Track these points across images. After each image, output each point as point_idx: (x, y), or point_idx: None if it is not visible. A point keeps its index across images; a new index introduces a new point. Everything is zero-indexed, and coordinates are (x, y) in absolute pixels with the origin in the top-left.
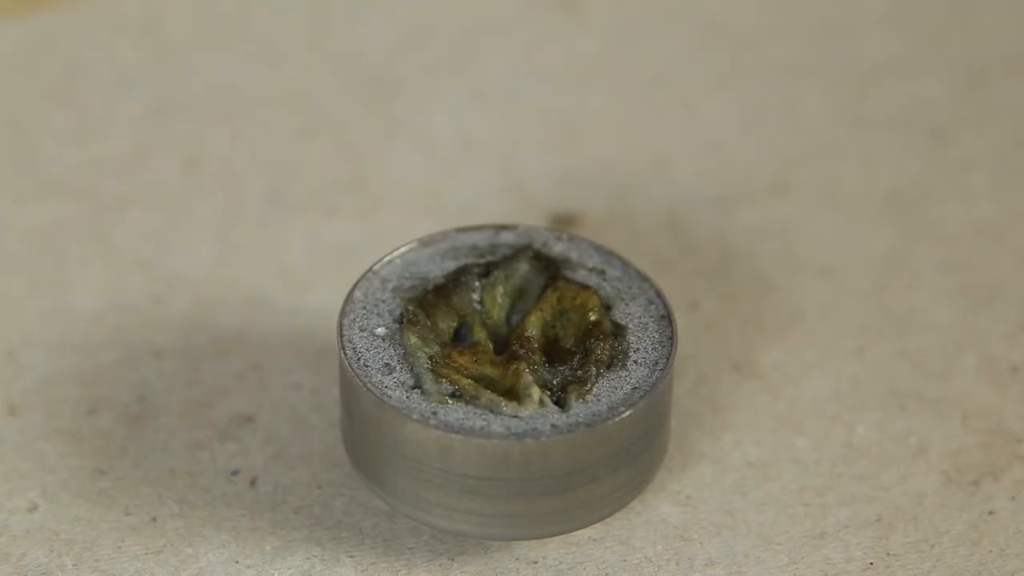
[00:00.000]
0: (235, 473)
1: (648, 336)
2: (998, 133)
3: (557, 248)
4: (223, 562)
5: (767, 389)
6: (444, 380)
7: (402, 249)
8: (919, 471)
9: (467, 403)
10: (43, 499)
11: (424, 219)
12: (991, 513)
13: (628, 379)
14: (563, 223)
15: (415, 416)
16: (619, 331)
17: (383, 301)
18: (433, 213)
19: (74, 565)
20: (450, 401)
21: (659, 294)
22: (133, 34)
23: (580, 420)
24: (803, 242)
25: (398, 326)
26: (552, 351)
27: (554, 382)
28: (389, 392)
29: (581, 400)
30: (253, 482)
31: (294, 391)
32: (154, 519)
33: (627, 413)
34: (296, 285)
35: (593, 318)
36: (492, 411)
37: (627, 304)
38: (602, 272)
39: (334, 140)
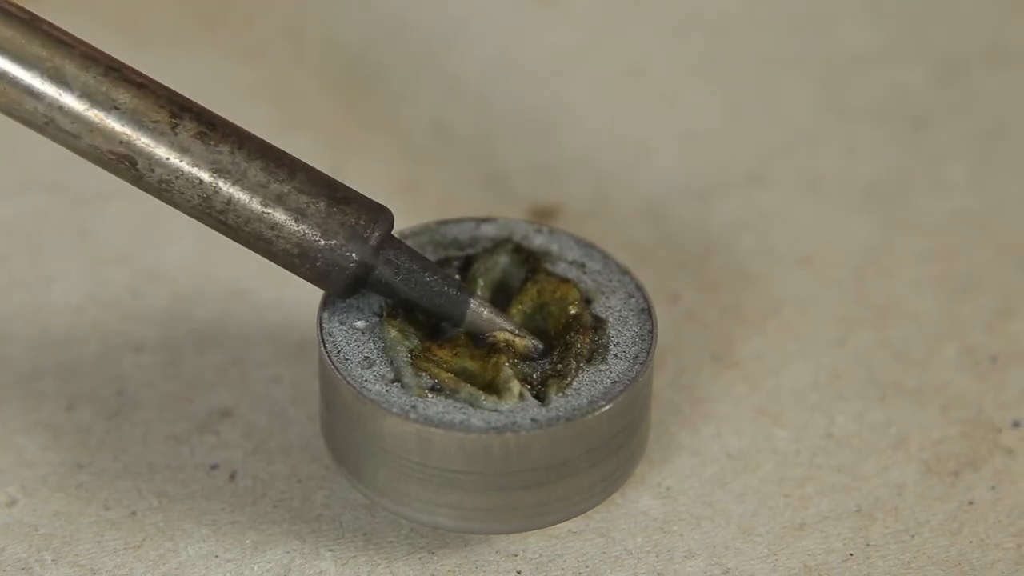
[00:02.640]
0: (214, 467)
1: (628, 330)
2: (977, 123)
3: (537, 241)
4: (203, 556)
5: (746, 380)
6: (424, 374)
7: None
8: (899, 461)
9: (447, 397)
10: (22, 494)
11: (404, 213)
12: (971, 503)
13: (608, 373)
14: (543, 215)
15: (395, 410)
16: (599, 324)
17: (363, 294)
18: (412, 206)
19: (53, 560)
20: (430, 395)
21: (639, 287)
22: (111, 28)
23: (560, 414)
24: (783, 233)
25: (378, 319)
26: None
27: (534, 376)
28: (369, 386)
29: (561, 394)
30: (233, 476)
31: (274, 384)
32: (133, 513)
33: (607, 407)
34: (275, 278)
35: (573, 311)
36: (472, 405)
37: (607, 297)
38: (582, 265)
39: (312, 134)
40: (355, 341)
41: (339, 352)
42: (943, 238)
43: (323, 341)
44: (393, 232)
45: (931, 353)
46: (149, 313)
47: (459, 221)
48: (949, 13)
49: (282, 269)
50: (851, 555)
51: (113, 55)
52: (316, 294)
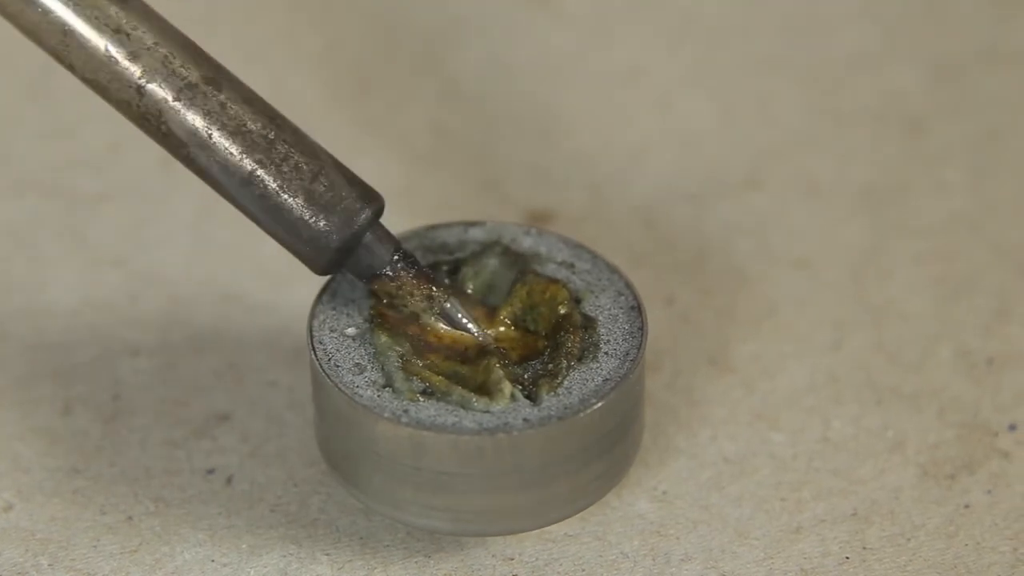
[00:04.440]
0: (211, 471)
1: (618, 327)
2: (973, 125)
3: (526, 243)
4: (199, 560)
5: (743, 383)
6: (415, 378)
7: None
8: (895, 465)
9: (438, 400)
10: (18, 498)
11: (399, 217)
12: (967, 506)
13: (599, 371)
14: (538, 219)
15: (386, 414)
16: (589, 323)
17: (353, 301)
18: (409, 210)
19: (49, 565)
20: (421, 398)
21: (628, 285)
22: None
23: (552, 413)
24: (778, 235)
25: (368, 326)
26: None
27: (525, 376)
28: (360, 391)
29: (552, 393)
30: (229, 480)
31: (270, 389)
32: (130, 518)
33: (599, 404)
34: (272, 282)
35: (563, 311)
36: (464, 407)
37: (597, 296)
38: (571, 265)
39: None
40: (346, 348)
41: (330, 359)
42: (939, 240)
43: (314, 349)
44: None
45: (927, 356)
46: (146, 317)
47: (448, 225)
48: (944, 15)
49: (278, 273)
50: (847, 558)
51: None
52: (310, 299)
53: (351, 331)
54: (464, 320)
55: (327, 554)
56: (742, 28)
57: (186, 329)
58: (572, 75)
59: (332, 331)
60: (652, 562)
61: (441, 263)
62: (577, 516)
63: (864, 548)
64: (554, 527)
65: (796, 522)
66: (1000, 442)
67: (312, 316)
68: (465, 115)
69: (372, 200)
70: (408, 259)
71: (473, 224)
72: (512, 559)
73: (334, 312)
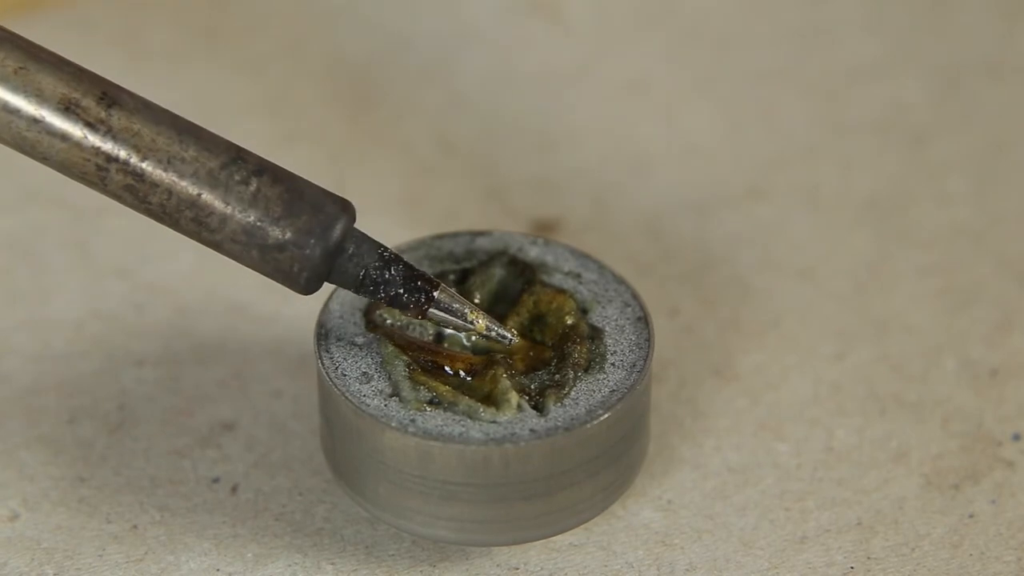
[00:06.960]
0: (216, 480)
1: (625, 338)
2: (976, 136)
3: (533, 253)
4: (204, 569)
5: (747, 393)
6: (422, 387)
7: None
8: (899, 475)
9: (445, 410)
10: (24, 508)
11: (404, 227)
12: (971, 516)
13: (606, 382)
14: (543, 229)
15: (393, 424)
16: (596, 334)
17: (360, 310)
18: (413, 221)
19: (55, 574)
20: (428, 408)
21: (635, 296)
22: (112, 41)
23: (559, 424)
24: (782, 246)
25: (375, 335)
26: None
27: (532, 387)
28: (367, 401)
29: (559, 404)
30: (234, 489)
31: (275, 398)
32: (135, 527)
33: (605, 416)
34: (276, 292)
35: (570, 322)
36: (471, 417)
37: (603, 307)
38: (578, 276)
39: (314, 148)
40: (353, 356)
41: (337, 368)
42: (942, 251)
43: (321, 357)
44: (381, 240)
45: (931, 367)
46: (150, 327)
47: (455, 235)
48: (948, 27)
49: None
50: (852, 568)
51: (113, 69)
52: (316, 308)
53: (358, 340)
54: (462, 309)
55: (332, 563)
56: (746, 39)
57: (191, 339)
58: (577, 86)
59: (339, 340)
60: (657, 572)
61: (448, 272)
62: (582, 526)
63: (869, 558)
64: (559, 536)
65: (801, 532)
66: (1004, 452)
67: (319, 325)
68: (470, 125)
69: (343, 212)
70: (394, 262)
71: (480, 234)
72: (517, 569)
73: (341, 321)
